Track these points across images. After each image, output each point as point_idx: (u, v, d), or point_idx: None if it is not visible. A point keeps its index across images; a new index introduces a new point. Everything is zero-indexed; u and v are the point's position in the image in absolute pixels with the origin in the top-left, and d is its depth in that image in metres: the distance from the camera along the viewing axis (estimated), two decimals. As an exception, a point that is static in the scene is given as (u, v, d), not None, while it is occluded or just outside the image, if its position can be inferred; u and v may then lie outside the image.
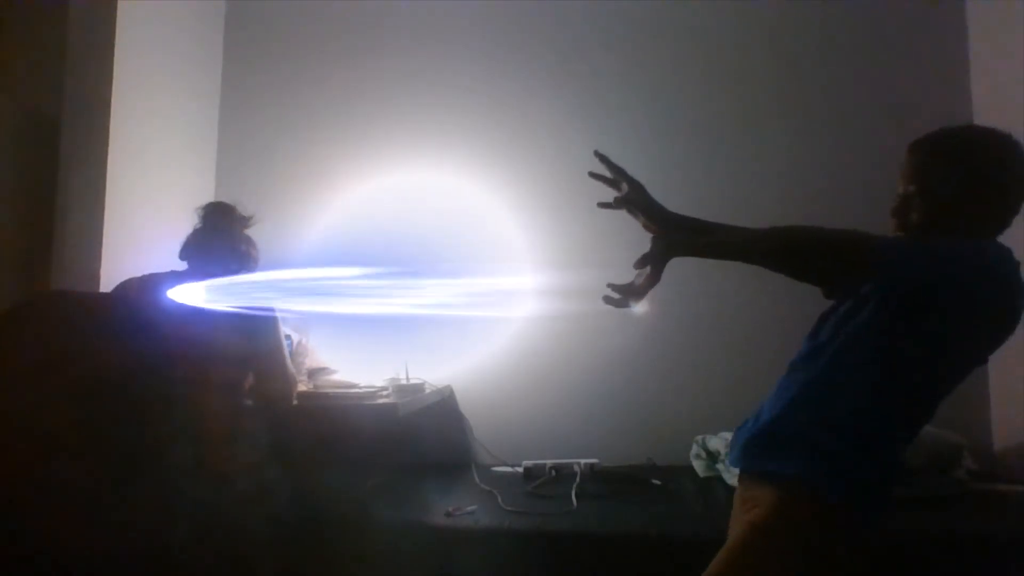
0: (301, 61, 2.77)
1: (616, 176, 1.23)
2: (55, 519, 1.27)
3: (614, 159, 1.25)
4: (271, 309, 1.77)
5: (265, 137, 2.74)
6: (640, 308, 1.16)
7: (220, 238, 1.85)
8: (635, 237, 1.24)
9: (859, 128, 2.49)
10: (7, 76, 1.95)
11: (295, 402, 1.86)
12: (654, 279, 1.12)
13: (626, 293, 1.14)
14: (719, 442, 2.18)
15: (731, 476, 1.97)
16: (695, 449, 2.27)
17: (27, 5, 2.00)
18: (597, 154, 1.24)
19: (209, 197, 2.24)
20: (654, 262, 1.11)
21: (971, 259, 1.05)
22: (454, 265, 2.45)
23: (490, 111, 2.65)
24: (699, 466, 2.21)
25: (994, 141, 1.15)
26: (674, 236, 1.16)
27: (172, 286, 1.63)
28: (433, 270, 2.27)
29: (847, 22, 2.55)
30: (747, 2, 2.59)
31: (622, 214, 1.23)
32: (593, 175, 1.25)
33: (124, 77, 2.15)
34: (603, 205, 1.24)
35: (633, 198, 1.20)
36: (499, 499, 1.94)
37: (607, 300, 1.16)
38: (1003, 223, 1.16)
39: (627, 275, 1.16)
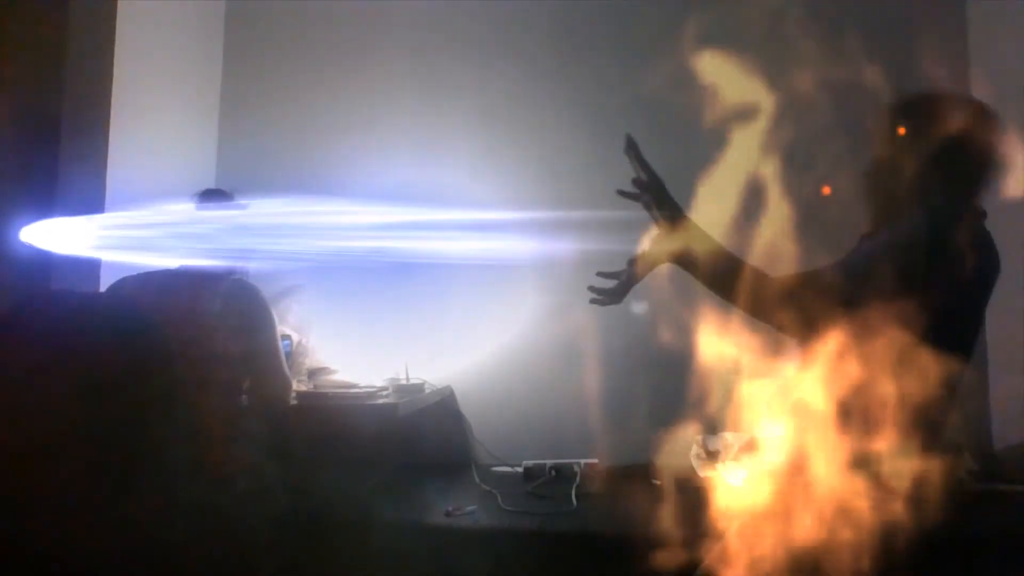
0: (301, 61, 2.76)
1: (640, 168, 1.25)
2: (53, 521, 1.27)
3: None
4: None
5: (265, 137, 2.74)
6: (638, 307, 1.21)
7: None
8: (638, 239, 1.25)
9: (858, 128, 2.48)
10: (7, 75, 1.95)
11: (291, 403, 1.86)
12: (635, 276, 1.26)
13: (616, 284, 1.26)
14: (719, 442, 2.18)
15: (731, 476, 1.96)
16: (695, 449, 2.27)
17: (27, 5, 2.00)
18: (628, 137, 1.26)
19: (209, 197, 2.23)
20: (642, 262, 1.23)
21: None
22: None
23: (491, 109, 2.64)
24: (699, 466, 2.21)
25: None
26: (668, 246, 1.22)
27: (167, 284, 1.62)
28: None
29: (846, 22, 2.54)
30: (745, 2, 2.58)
31: (623, 214, 1.25)
32: (621, 192, 1.26)
33: (124, 76, 2.15)
34: (622, 193, 1.25)
35: (653, 188, 1.22)
36: (499, 499, 1.94)
37: (595, 300, 1.28)
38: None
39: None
